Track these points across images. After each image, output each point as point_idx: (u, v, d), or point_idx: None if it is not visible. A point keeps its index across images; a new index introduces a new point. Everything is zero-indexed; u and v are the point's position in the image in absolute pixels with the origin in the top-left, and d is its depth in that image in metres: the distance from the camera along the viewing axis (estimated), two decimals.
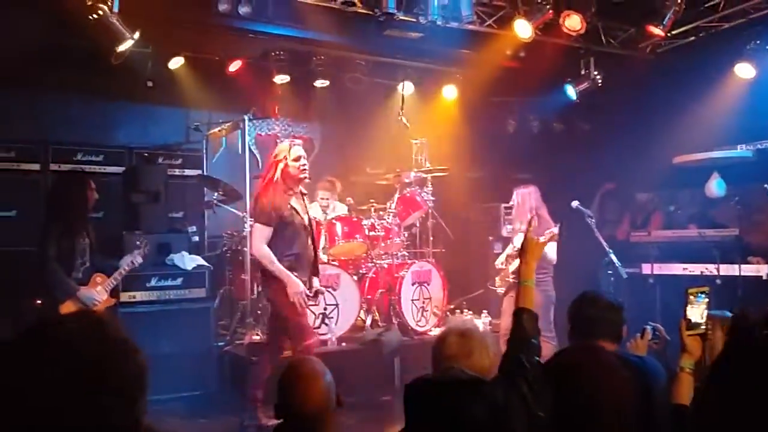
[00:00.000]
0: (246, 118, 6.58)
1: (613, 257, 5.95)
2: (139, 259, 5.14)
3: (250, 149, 6.87)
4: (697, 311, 2.60)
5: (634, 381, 2.06)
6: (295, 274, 4.60)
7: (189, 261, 5.96)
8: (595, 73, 7.17)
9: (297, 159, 4.71)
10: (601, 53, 7.10)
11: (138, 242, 5.24)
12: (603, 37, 6.97)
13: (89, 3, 5.01)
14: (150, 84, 6.62)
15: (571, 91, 7.36)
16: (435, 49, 6.80)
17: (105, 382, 1.22)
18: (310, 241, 4.82)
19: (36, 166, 6.39)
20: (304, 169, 4.73)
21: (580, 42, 6.80)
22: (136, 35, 5.34)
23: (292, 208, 4.70)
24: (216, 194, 6.63)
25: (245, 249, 6.17)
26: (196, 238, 6.88)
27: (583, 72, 7.23)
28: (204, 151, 7.31)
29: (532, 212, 5.86)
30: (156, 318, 5.59)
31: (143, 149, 6.92)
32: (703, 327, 2.58)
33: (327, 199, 6.84)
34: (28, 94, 6.22)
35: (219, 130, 6.95)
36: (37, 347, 1.22)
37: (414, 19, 6.14)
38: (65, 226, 4.86)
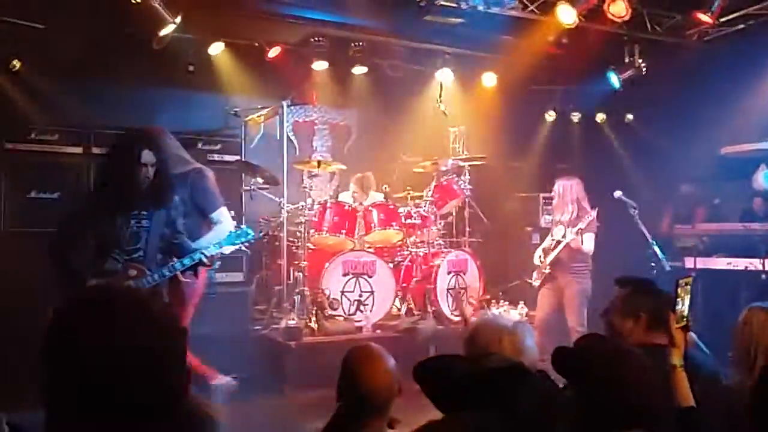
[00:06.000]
0: (284, 104, 6.60)
1: (657, 249, 5.82)
2: (213, 250, 4.13)
3: (287, 135, 6.88)
4: (685, 303, 2.50)
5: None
6: None
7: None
8: (640, 61, 7.00)
9: None
10: (647, 40, 6.92)
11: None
12: (648, 24, 6.78)
13: None
14: (191, 69, 6.68)
15: (614, 80, 7.20)
16: (475, 35, 6.72)
17: (166, 354, 1.23)
18: None
19: (79, 150, 6.50)
20: None
21: (625, 29, 6.63)
22: (178, 20, 5.39)
23: None
24: (254, 180, 6.67)
25: (281, 234, 6.21)
26: (234, 223, 6.93)
27: (627, 60, 7.07)
28: (242, 136, 7.35)
29: (574, 204, 5.77)
30: None
31: (183, 134, 6.98)
32: (686, 319, 2.47)
33: (357, 193, 6.84)
34: (73, 79, 6.32)
35: (257, 116, 6.98)
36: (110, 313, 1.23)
37: (455, 5, 6.07)
38: (106, 204, 3.93)
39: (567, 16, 6.17)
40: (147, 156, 3.84)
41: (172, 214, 4.03)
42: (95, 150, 6.56)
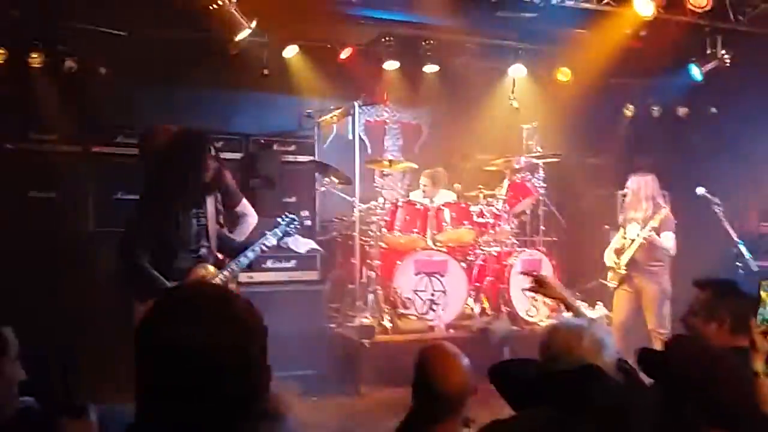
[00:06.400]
0: (356, 104, 6.66)
1: (743, 248, 5.56)
2: (271, 241, 4.20)
3: (359, 135, 6.94)
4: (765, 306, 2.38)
5: None
6: None
7: (302, 244, 6.11)
8: (723, 52, 6.70)
9: None
10: (730, 31, 6.60)
11: (282, 219, 4.35)
12: (731, 14, 6.48)
13: None
14: (266, 72, 6.84)
15: (696, 72, 6.92)
16: (549, 29, 6.59)
17: (248, 351, 1.27)
18: None
19: None
20: None
21: (706, 19, 6.36)
22: (253, 24, 5.52)
23: None
24: (326, 179, 6.76)
25: (354, 234, 6.27)
26: (309, 222, 7.05)
27: (709, 51, 6.78)
28: (316, 137, 7.47)
29: (649, 201, 5.59)
30: (271, 298, 5.79)
31: (259, 136, 7.15)
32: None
33: (427, 187, 6.83)
34: (154, 84, 6.58)
35: (330, 117, 7.07)
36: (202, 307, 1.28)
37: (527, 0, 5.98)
38: (171, 200, 3.82)
39: (645, 7, 5.98)
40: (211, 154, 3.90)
41: (218, 208, 4.06)
42: None
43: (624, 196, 5.84)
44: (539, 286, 3.01)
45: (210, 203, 3.98)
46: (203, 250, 3.93)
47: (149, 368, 1.25)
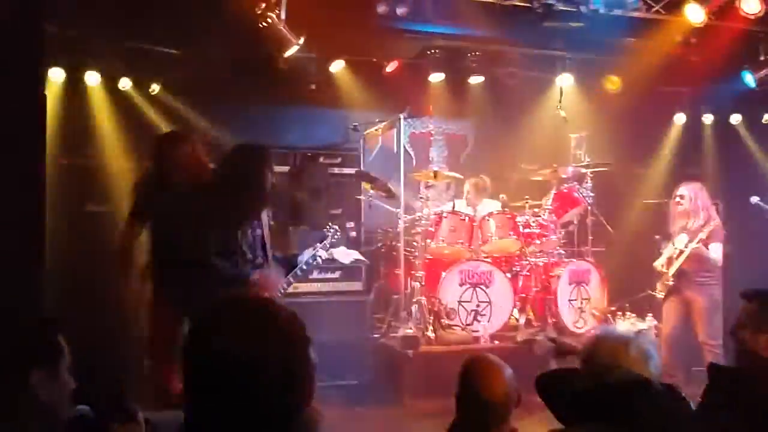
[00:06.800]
0: (401, 117, 6.70)
1: None
2: (323, 253, 4.32)
3: (404, 147, 6.98)
4: None
5: None
6: None
7: (347, 255, 6.17)
8: None
9: None
10: None
11: (328, 230, 4.45)
12: None
13: (259, 12, 5.35)
14: (313, 87, 6.95)
15: (749, 79, 6.75)
16: (596, 38, 6.51)
17: (293, 361, 1.31)
18: None
19: (212, 167, 6.94)
20: None
21: (759, 25, 6.20)
22: (301, 40, 5.63)
23: None
24: (371, 191, 6.81)
25: (399, 244, 6.30)
26: (354, 234, 7.12)
27: (762, 58, 6.60)
28: (361, 150, 7.54)
29: (705, 211, 5.48)
30: (315, 309, 5.86)
31: (306, 149, 7.27)
32: None
33: (470, 194, 6.81)
34: (205, 100, 6.78)
35: (375, 130, 7.13)
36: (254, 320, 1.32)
37: (574, 9, 5.93)
38: (233, 212, 3.93)
39: (696, 14, 5.86)
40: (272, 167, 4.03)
41: (263, 219, 4.16)
42: None
43: (677, 204, 5.72)
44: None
45: (264, 214, 4.10)
46: (259, 260, 4.02)
47: (195, 377, 1.30)
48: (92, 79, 6.36)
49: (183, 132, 4.44)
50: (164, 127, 6.57)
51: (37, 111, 3.38)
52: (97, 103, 6.44)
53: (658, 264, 5.70)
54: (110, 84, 6.49)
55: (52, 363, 1.91)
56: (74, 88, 6.31)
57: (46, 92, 4.00)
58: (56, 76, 6.11)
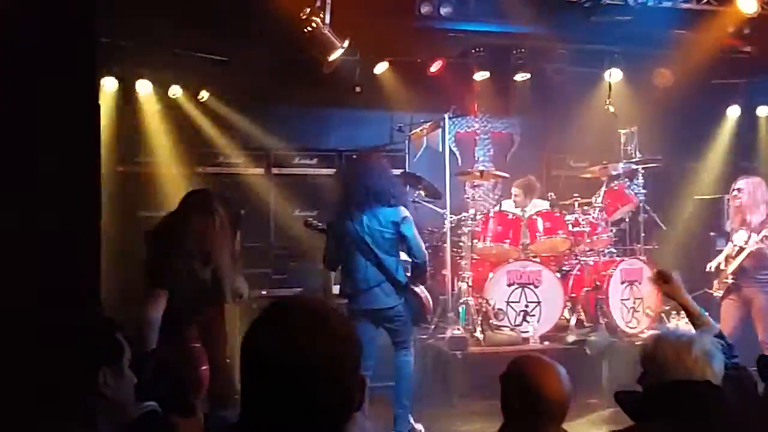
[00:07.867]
0: (446, 116, 6.68)
1: None
2: None
3: (450, 147, 6.96)
4: None
5: None
6: None
7: None
8: None
9: None
10: None
11: None
12: None
13: (304, 17, 5.42)
14: (358, 89, 7.00)
15: None
16: (645, 31, 6.37)
17: (343, 362, 1.33)
18: None
19: (261, 171, 7.08)
20: None
21: None
22: (346, 44, 5.67)
23: None
24: (417, 191, 6.80)
25: (445, 245, 6.28)
26: None
27: None
28: (406, 150, 7.55)
29: (762, 205, 5.31)
30: None
31: (352, 151, 7.32)
32: None
33: (519, 197, 6.73)
34: (252, 106, 6.90)
35: (420, 130, 7.14)
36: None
37: (622, 2, 5.82)
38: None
39: (748, 4, 5.69)
40: None
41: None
42: (274, 170, 7.11)
43: (734, 198, 5.55)
44: (663, 281, 2.89)
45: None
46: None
47: (249, 374, 1.33)
48: (144, 87, 6.54)
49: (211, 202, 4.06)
50: (212, 132, 6.73)
51: (93, 120, 3.48)
52: (148, 112, 6.62)
53: (715, 263, 5.54)
54: (161, 92, 6.66)
55: (116, 361, 1.98)
56: (127, 97, 6.50)
57: (100, 102, 4.13)
58: (109, 85, 6.30)
